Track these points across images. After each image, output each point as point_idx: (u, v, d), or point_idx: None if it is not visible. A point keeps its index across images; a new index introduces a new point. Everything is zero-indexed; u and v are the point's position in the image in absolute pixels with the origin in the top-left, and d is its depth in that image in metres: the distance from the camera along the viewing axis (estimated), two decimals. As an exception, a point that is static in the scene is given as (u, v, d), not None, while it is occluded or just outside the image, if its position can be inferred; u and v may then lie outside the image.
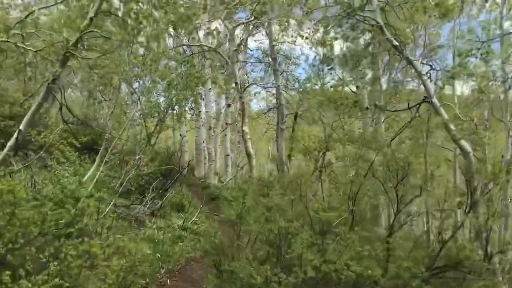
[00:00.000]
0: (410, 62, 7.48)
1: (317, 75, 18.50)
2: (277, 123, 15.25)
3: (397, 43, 7.36)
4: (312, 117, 17.75)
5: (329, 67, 12.10)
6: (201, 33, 18.11)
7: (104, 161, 10.11)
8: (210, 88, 18.51)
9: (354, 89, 20.36)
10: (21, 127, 5.58)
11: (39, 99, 5.61)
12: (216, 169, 20.43)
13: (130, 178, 9.56)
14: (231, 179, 17.35)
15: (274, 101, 27.35)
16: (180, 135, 26.29)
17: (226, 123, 24.90)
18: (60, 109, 6.30)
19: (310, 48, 17.21)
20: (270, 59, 14.29)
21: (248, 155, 10.74)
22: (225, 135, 24.87)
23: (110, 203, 8.66)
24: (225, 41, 12.84)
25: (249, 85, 14.23)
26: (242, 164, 21.24)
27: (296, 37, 13.33)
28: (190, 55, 12.69)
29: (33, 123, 6.68)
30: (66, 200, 7.95)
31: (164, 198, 9.68)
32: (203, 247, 7.97)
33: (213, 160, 18.73)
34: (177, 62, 12.33)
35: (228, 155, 25.00)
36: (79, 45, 5.55)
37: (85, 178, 9.67)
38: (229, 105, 25.21)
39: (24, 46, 5.39)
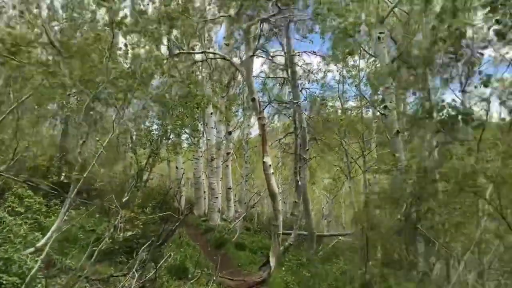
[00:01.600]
0: None
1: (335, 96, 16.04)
2: (295, 151, 12.59)
3: None
4: (327, 142, 15.13)
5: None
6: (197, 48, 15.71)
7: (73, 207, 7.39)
8: (211, 113, 15.85)
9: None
10: None
11: None
12: (218, 205, 17.56)
13: (113, 232, 6.75)
14: (240, 220, 14.47)
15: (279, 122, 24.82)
16: (177, 168, 23.56)
17: (227, 153, 22.22)
18: None
19: (328, 64, 14.78)
20: (286, 73, 11.72)
21: (272, 195, 7.97)
22: (227, 166, 22.17)
23: (80, 276, 5.85)
24: (240, 44, 10.52)
25: (269, 103, 11.63)
26: (252, 202, 18.37)
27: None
28: (192, 63, 10.09)
29: None
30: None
31: (161, 262, 6.83)
32: None
33: (216, 196, 15.87)
34: (172, 79, 9.71)
35: (230, 188, 22.22)
36: None
37: (48, 235, 6.81)
38: (230, 133, 22.59)
39: None
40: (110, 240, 5.53)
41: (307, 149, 11.70)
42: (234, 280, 7.81)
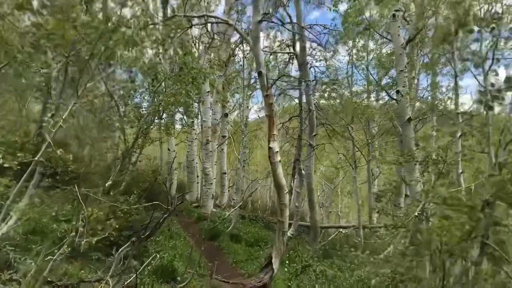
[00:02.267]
0: None
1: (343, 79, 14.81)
2: (299, 136, 11.42)
3: None
4: (333, 128, 13.89)
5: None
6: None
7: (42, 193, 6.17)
8: (208, 91, 14.55)
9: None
10: None
11: None
12: (213, 192, 16.38)
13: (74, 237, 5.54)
14: (235, 209, 13.32)
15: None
16: (169, 150, 22.33)
17: (223, 136, 21.03)
18: None
19: (337, 42, 13.45)
20: (293, 48, 10.41)
21: (278, 186, 6.79)
22: (222, 149, 21.02)
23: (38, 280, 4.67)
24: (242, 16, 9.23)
25: (278, 79, 10.30)
26: (249, 190, 17.20)
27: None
28: (189, 26, 8.71)
29: None
30: None
31: (144, 265, 5.66)
32: None
33: (210, 182, 14.69)
34: (163, 46, 8.37)
35: (225, 173, 21.11)
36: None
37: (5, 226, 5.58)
38: (226, 115, 21.35)
39: None
40: (69, 249, 4.29)
41: (314, 135, 10.50)
42: (231, 284, 6.68)
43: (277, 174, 6.73)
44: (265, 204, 21.41)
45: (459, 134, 9.96)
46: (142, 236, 7.09)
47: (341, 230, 15.01)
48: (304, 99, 10.82)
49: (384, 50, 16.29)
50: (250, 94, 14.72)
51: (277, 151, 6.71)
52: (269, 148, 6.70)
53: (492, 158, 10.61)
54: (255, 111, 27.81)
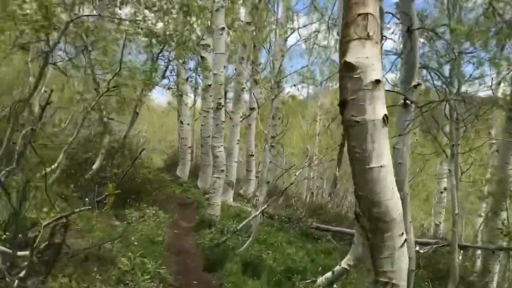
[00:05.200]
0: None
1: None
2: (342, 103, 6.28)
3: None
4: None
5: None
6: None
7: None
8: (222, 28, 9.36)
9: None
10: None
11: None
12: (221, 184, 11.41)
13: None
14: (258, 214, 8.15)
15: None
16: (182, 123, 17.63)
17: (251, 108, 16.09)
18: None
19: None
20: None
21: (375, 219, 1.81)
22: (250, 124, 16.18)
23: None
24: None
25: None
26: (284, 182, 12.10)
27: None
28: None
29: None
30: None
31: None
32: None
33: (221, 169, 9.64)
34: None
35: (252, 155, 16.40)
36: None
37: None
38: (256, 81, 16.29)
39: None
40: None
41: (417, 85, 5.20)
42: None
43: (367, 171, 1.77)
44: (301, 198, 16.39)
45: None
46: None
47: (417, 248, 9.84)
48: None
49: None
50: (288, 29, 9.09)
51: (379, 81, 1.74)
52: (346, 65, 1.72)
53: None
54: (289, 87, 22.22)
